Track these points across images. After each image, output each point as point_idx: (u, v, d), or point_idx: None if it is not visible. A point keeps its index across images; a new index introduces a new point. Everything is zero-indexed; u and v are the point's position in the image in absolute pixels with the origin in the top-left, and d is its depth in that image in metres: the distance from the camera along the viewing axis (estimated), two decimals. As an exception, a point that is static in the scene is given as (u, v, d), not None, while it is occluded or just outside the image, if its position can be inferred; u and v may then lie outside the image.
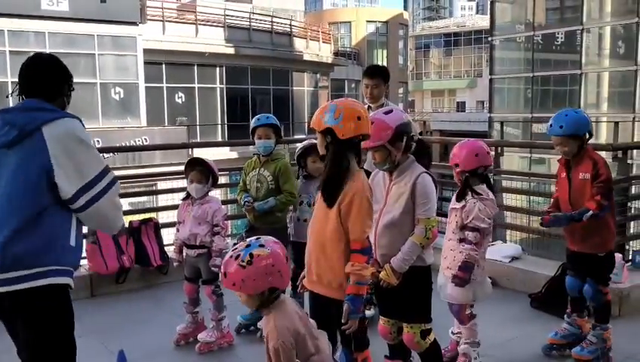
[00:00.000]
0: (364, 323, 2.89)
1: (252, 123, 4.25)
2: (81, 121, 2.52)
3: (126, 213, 6.39)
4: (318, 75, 27.93)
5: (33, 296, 2.35)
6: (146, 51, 17.47)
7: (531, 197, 7.01)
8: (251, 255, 2.24)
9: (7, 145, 2.38)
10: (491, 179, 6.15)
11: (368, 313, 3.91)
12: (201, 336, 4.09)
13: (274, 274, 2.26)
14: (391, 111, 3.06)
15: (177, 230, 4.22)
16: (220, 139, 21.04)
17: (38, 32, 15.61)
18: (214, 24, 21.51)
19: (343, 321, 2.63)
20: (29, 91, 2.53)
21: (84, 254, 5.32)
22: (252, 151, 4.33)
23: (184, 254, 4.17)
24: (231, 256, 2.28)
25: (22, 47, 15.43)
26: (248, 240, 2.35)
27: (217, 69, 21.49)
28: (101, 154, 2.59)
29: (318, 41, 27.35)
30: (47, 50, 15.60)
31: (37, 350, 2.45)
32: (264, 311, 2.35)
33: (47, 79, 2.56)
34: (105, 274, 5.23)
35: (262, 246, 2.28)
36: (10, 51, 15.21)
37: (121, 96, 17.22)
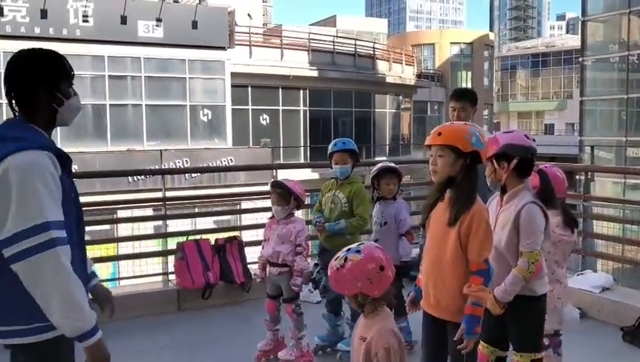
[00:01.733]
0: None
1: (329, 148, 4.35)
2: (54, 153, 2.05)
3: (211, 231, 6.66)
4: (400, 97, 27.88)
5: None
6: (233, 75, 18.10)
7: (625, 225, 6.68)
8: (346, 259, 2.36)
9: None
10: (580, 205, 5.97)
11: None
12: (281, 354, 4.16)
13: (362, 280, 2.33)
14: (511, 132, 3.09)
15: (262, 247, 4.34)
16: (302, 160, 21.36)
17: (134, 57, 16.53)
18: (299, 48, 22.00)
19: (455, 339, 2.66)
20: (12, 104, 2.12)
21: (172, 269, 5.64)
22: (333, 173, 4.41)
23: (267, 271, 4.27)
24: (336, 258, 2.40)
25: (120, 71, 16.41)
26: (352, 245, 2.45)
27: (301, 91, 21.91)
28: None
29: (401, 63, 27.34)
30: (142, 75, 16.54)
31: None
32: (368, 314, 2.43)
33: (15, 86, 2.11)
34: (191, 289, 5.44)
35: (357, 251, 2.38)
36: (109, 76, 16.20)
37: (209, 117, 17.90)
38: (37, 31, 14.96)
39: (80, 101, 2.26)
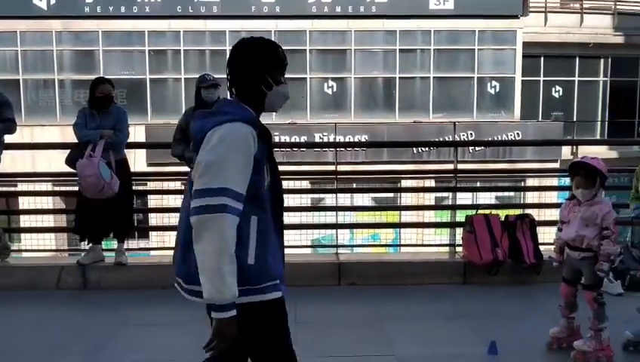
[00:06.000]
0: None
1: None
2: (253, 125, 2.16)
3: (501, 206, 6.47)
4: None
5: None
6: (525, 44, 17.16)
7: None
8: None
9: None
10: None
11: None
12: (577, 344, 3.85)
13: None
14: None
15: (559, 229, 4.04)
16: (598, 136, 19.45)
17: (424, 30, 16.76)
18: (602, 11, 19.83)
19: None
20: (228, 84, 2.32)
21: (459, 241, 5.64)
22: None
23: (565, 255, 3.97)
24: None
25: (410, 45, 16.83)
26: None
27: (602, 60, 19.82)
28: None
29: None
30: (432, 47, 16.71)
31: None
32: None
33: (234, 70, 2.28)
34: (479, 264, 5.36)
35: None
36: (400, 50, 16.74)
37: (497, 90, 17.33)
38: (338, 10, 16.14)
39: (288, 90, 2.33)
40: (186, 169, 5.51)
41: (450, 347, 4.13)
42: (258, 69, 2.24)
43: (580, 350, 3.82)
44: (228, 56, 2.30)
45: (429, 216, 9.12)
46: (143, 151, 13.23)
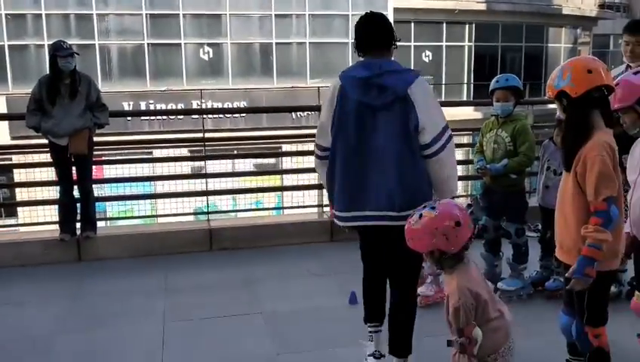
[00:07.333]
0: (604, 297, 2.73)
1: (491, 84, 4.23)
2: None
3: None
4: (578, 31, 25.52)
5: None
6: (396, 10, 17.75)
7: None
8: (420, 215, 2.42)
9: (383, 107, 2.85)
10: None
11: (614, 290, 3.78)
12: (421, 290, 4.20)
13: (437, 236, 2.37)
14: None
15: None
16: (465, 98, 20.68)
17: (299, -6, 16.87)
18: (466, -21, 20.90)
19: (566, 276, 2.58)
20: (366, 47, 2.97)
21: (326, 202, 5.86)
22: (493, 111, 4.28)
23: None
24: (412, 215, 2.48)
25: (285, 10, 16.85)
26: (427, 202, 2.53)
27: (467, 26, 20.97)
28: None
29: (582, -8, 24.86)
30: (307, 13, 16.83)
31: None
32: (447, 270, 2.49)
33: (378, 36, 2.96)
34: (344, 222, 5.62)
35: (432, 208, 2.42)
36: (275, 15, 16.71)
37: (371, 55, 17.82)
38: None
39: None
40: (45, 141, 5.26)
41: (316, 301, 4.35)
42: (394, 35, 2.98)
43: (423, 295, 4.18)
44: (363, 23, 2.96)
45: (309, 179, 9.34)
46: (6, 123, 12.40)
